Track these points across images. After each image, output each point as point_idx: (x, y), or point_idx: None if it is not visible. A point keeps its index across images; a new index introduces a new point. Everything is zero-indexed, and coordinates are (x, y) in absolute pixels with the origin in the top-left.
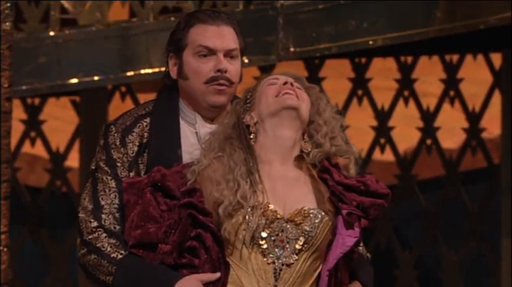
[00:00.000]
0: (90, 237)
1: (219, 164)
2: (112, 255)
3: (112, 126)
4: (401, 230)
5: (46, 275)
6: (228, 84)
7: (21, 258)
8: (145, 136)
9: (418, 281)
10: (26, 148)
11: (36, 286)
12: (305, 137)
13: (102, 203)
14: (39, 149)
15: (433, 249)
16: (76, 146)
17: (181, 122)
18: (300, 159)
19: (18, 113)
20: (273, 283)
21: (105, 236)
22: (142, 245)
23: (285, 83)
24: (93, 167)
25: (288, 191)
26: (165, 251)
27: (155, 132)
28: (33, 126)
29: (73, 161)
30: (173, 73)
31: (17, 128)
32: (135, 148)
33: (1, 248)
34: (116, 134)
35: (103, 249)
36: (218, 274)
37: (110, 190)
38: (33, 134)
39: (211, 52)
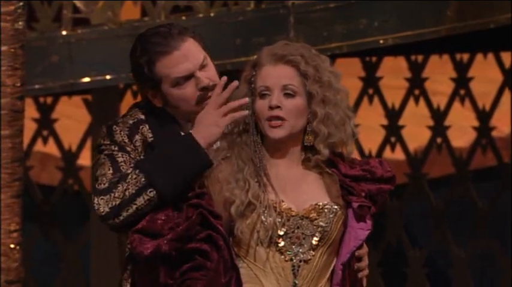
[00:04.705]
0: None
1: (226, 164)
2: (127, 171)
3: (115, 126)
4: (411, 228)
5: (58, 273)
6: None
7: (33, 256)
8: (150, 137)
9: (427, 278)
10: (39, 146)
11: (48, 284)
12: (307, 128)
13: (123, 171)
14: (51, 148)
15: (442, 247)
16: (88, 144)
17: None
18: (305, 160)
19: (31, 111)
20: (292, 279)
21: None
22: (144, 232)
23: (271, 108)
24: (102, 149)
25: (298, 189)
26: (167, 237)
27: (158, 136)
28: (46, 125)
29: (85, 159)
30: (157, 103)
31: (30, 127)
32: (140, 147)
33: (13, 246)
34: (121, 132)
35: (117, 184)
36: (246, 99)
37: (130, 164)
38: (45, 132)
39: (188, 77)
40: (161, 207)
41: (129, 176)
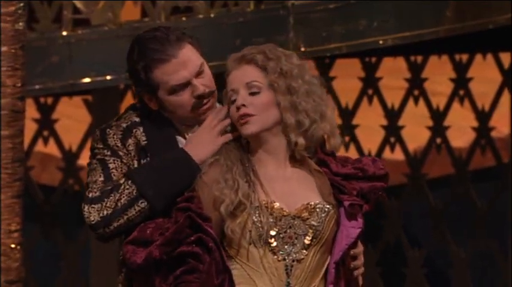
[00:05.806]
0: (94, 204)
1: (215, 166)
2: (119, 181)
3: (108, 129)
4: (410, 228)
5: (59, 273)
6: (210, 97)
7: (34, 256)
8: (143, 140)
9: (427, 279)
10: (39, 146)
11: (49, 284)
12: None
13: (114, 178)
14: (52, 148)
15: (441, 247)
16: (88, 145)
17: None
18: (292, 158)
19: (31, 112)
20: (285, 279)
21: (109, 189)
22: (136, 242)
23: (238, 108)
24: (95, 153)
25: (289, 188)
26: (157, 243)
27: (152, 139)
28: (46, 125)
29: (85, 159)
30: (153, 106)
31: (30, 127)
32: (133, 151)
33: (14, 246)
34: (115, 136)
35: (107, 188)
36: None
37: (121, 170)
38: (46, 133)
39: (185, 85)
40: (152, 218)
41: (122, 187)
